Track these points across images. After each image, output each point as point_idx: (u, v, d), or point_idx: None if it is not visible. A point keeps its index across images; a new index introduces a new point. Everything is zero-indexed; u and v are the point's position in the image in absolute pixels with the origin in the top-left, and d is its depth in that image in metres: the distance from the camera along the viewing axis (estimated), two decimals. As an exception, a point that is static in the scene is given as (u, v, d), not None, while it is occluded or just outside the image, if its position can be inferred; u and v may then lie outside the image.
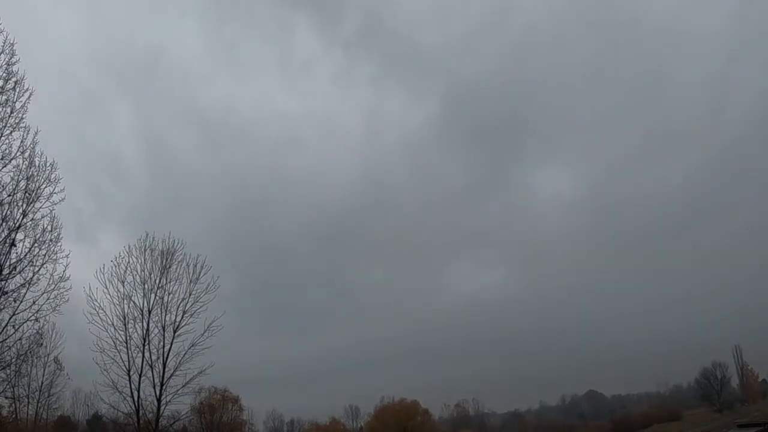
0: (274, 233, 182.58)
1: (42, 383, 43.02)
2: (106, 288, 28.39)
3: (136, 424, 28.05)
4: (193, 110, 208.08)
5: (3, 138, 17.81)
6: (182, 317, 29.37)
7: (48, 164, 19.29)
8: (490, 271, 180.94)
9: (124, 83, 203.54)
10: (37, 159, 18.92)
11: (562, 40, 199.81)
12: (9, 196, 18.14)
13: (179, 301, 29.51)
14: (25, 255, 18.69)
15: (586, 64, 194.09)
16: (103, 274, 28.59)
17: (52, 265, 19.25)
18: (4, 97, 17.73)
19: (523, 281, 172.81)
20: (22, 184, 18.51)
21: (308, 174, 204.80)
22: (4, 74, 17.71)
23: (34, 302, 18.80)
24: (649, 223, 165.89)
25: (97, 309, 27.79)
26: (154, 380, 28.48)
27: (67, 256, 19.61)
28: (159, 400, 28.45)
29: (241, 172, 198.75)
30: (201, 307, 29.44)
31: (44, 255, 19.11)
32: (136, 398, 27.87)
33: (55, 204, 19.37)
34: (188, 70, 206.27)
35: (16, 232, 18.45)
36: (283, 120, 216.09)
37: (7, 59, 17.76)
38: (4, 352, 19.34)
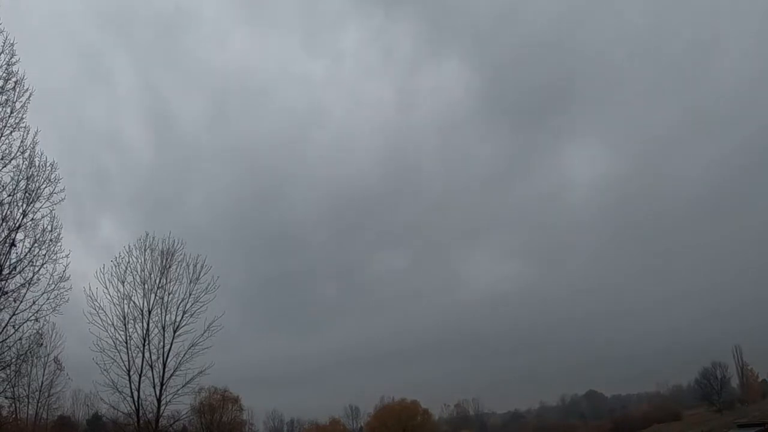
0: (287, 217, 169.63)
1: (42, 383, 43.01)
2: (106, 288, 28.45)
3: (136, 424, 28.05)
4: (205, 72, 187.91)
5: (3, 138, 17.82)
6: (182, 317, 29.45)
7: (48, 164, 19.33)
8: (504, 265, 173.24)
9: (126, 39, 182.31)
10: (37, 159, 18.94)
11: (612, 7, 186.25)
12: (9, 196, 18.15)
13: (179, 301, 29.59)
14: (25, 255, 18.69)
15: (636, 33, 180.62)
16: (103, 274, 28.67)
17: (52, 265, 19.24)
18: (4, 97, 17.74)
19: (533, 276, 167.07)
20: (22, 184, 18.51)
21: (329, 150, 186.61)
22: (4, 74, 17.71)
23: (34, 302, 18.80)
24: (661, 216, 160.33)
25: (97, 309, 27.84)
26: (154, 380, 28.51)
27: (67, 256, 19.61)
28: (159, 400, 28.46)
29: (254, 147, 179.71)
30: (201, 307, 29.51)
31: (44, 255, 19.09)
32: (136, 398, 27.89)
33: (55, 204, 19.41)
34: (199, 24, 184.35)
35: (16, 232, 18.45)
36: (305, 86, 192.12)
37: (7, 59, 17.77)
38: (4, 352, 19.34)
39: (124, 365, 27.92)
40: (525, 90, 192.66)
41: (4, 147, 17.81)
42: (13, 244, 18.38)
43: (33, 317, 18.96)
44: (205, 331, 28.91)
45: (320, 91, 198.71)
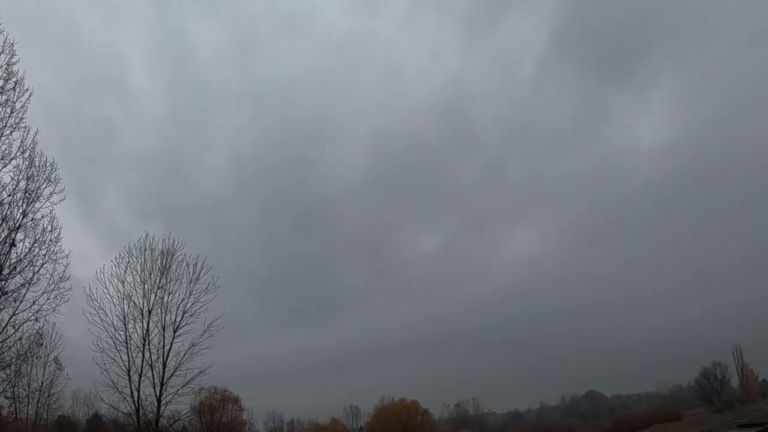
0: (318, 185, 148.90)
1: (42, 383, 42.89)
2: (106, 288, 28.51)
3: (136, 424, 28.09)
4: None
5: (3, 138, 17.87)
6: (182, 317, 29.51)
7: (48, 164, 19.42)
8: (537, 250, 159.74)
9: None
10: (37, 159, 19.06)
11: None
12: (9, 196, 18.20)
13: (179, 301, 29.68)
14: (25, 255, 18.76)
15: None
16: (103, 274, 28.74)
17: (52, 265, 19.33)
18: (4, 97, 17.80)
19: (556, 265, 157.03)
20: (22, 184, 18.60)
21: (375, 94, 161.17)
22: (4, 74, 17.77)
23: (34, 302, 18.89)
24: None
25: (97, 309, 27.90)
26: (154, 380, 28.58)
27: (67, 256, 19.70)
28: (159, 400, 28.51)
29: (285, 88, 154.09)
30: (201, 307, 29.57)
31: (44, 255, 19.17)
32: (136, 398, 27.96)
33: (55, 204, 19.45)
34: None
35: (16, 232, 18.49)
36: (349, 10, 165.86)
37: (7, 59, 17.84)
38: (4, 352, 19.39)
39: (124, 365, 28.02)
40: (603, 35, 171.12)
41: (4, 147, 17.92)
42: (13, 244, 18.41)
43: (33, 317, 19.04)
44: (205, 331, 29.04)
45: (367, 18, 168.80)
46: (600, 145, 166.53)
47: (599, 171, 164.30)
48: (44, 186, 19.16)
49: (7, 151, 17.92)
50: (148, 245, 30.04)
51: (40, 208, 19.10)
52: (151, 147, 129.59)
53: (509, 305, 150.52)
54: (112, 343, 27.96)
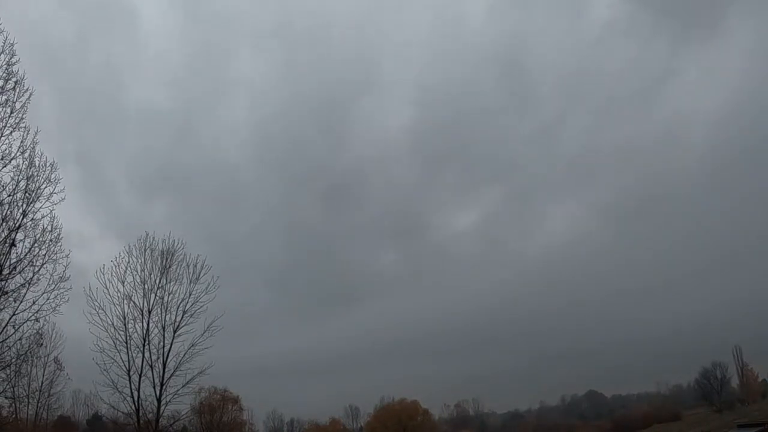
0: (351, 149, 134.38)
1: (42, 383, 42.99)
2: (106, 288, 28.54)
3: (136, 424, 28.11)
4: None
5: (3, 138, 17.86)
6: (182, 317, 29.53)
7: (48, 164, 19.39)
8: (528, 249, 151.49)
9: None
10: (37, 159, 19.01)
11: None
12: (9, 196, 18.18)
13: (179, 301, 29.72)
14: (25, 255, 18.72)
15: None
16: (103, 274, 28.75)
17: (52, 265, 19.30)
18: (4, 97, 17.79)
19: (551, 265, 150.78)
20: (22, 184, 18.56)
21: (426, 43, 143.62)
22: (4, 74, 17.76)
23: (34, 302, 18.86)
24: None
25: (97, 309, 27.91)
26: (154, 380, 28.63)
27: (67, 256, 19.68)
28: (159, 400, 28.54)
29: (322, 25, 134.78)
30: (201, 307, 29.60)
31: (44, 255, 19.14)
32: (136, 398, 28.01)
33: (55, 204, 19.44)
34: None
35: (16, 232, 18.47)
36: None
37: (7, 59, 17.83)
38: (4, 352, 19.37)
39: (124, 365, 28.07)
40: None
41: (4, 147, 17.91)
42: (13, 244, 18.40)
43: (33, 317, 19.02)
44: (205, 331, 29.08)
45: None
46: (661, 112, 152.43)
47: (656, 141, 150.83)
48: (44, 186, 19.15)
49: (7, 151, 17.92)
50: (148, 245, 30.16)
51: (40, 208, 19.09)
52: (161, 100, 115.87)
53: (509, 305, 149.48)
54: (112, 343, 28.06)
